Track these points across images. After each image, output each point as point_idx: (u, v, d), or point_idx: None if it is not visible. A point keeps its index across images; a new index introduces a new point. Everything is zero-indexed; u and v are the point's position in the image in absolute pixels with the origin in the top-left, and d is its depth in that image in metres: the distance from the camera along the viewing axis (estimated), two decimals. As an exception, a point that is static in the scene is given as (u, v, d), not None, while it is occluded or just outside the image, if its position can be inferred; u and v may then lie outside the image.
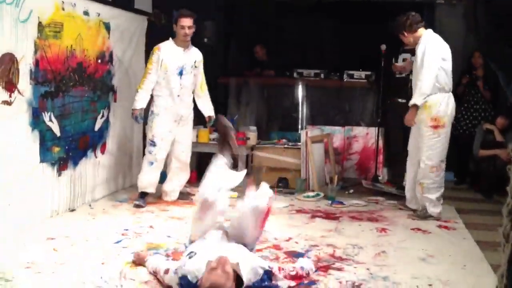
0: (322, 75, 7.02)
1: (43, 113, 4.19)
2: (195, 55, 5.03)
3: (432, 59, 4.59)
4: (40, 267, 3.23)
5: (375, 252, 3.78)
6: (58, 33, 4.30)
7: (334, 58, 7.04)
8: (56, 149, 4.40)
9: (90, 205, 4.85)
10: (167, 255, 3.51)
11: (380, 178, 6.24)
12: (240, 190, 3.83)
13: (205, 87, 5.16)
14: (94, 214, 4.59)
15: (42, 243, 3.71)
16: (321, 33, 7.21)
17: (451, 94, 4.73)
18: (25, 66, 3.95)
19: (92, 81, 4.86)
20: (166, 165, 5.11)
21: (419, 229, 4.45)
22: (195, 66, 5.00)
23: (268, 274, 2.87)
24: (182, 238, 3.81)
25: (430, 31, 4.78)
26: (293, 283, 3.01)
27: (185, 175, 5.15)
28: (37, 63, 4.07)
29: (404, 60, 5.93)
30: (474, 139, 6.08)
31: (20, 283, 2.99)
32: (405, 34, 4.77)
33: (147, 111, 4.98)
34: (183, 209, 4.83)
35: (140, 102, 4.87)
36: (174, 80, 4.87)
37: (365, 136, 6.58)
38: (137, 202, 4.84)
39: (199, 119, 5.36)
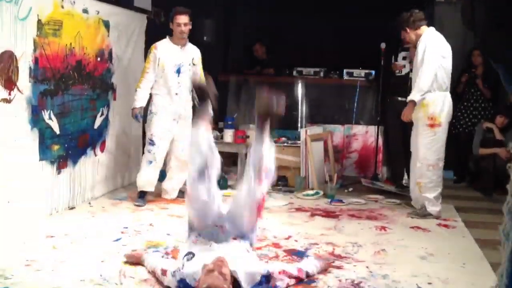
0: (321, 74, 7.02)
1: (42, 111, 4.18)
2: (193, 52, 5.03)
3: (432, 56, 4.60)
4: (39, 265, 3.23)
5: (375, 250, 3.78)
6: (57, 31, 4.30)
7: (333, 56, 7.03)
8: (56, 147, 4.39)
9: (89, 203, 4.85)
10: (167, 253, 3.51)
11: (379, 176, 6.24)
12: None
13: None
14: (93, 212, 4.59)
15: (41, 241, 3.71)
16: (320, 31, 7.19)
17: (448, 93, 4.74)
18: (25, 64, 3.94)
19: (92, 79, 4.86)
20: (165, 164, 5.11)
21: (418, 228, 4.45)
22: (193, 64, 5.00)
23: (267, 278, 2.86)
24: (181, 236, 3.81)
25: (432, 29, 4.79)
26: (292, 281, 3.01)
27: (184, 173, 5.13)
28: (36, 61, 4.07)
29: (404, 58, 5.93)
30: (474, 137, 6.08)
31: (20, 280, 2.99)
32: (408, 30, 4.78)
33: (146, 109, 4.98)
34: (183, 207, 4.82)
35: (140, 101, 4.87)
36: (172, 78, 4.87)
37: (365, 135, 6.58)
38: (136, 203, 4.85)
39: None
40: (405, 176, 5.86)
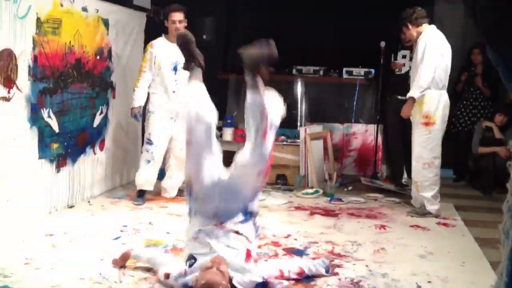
0: (321, 72, 7.01)
1: (41, 110, 4.18)
2: None
3: (432, 54, 4.61)
4: (39, 263, 3.23)
5: (374, 249, 3.78)
6: (56, 29, 4.29)
7: (333, 55, 7.02)
8: (55, 145, 4.39)
9: (89, 202, 4.85)
10: (166, 252, 3.51)
11: (379, 175, 6.24)
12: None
13: None
14: (93, 211, 4.58)
15: (40, 240, 3.70)
16: (320, 31, 7.18)
17: (444, 91, 4.74)
18: (24, 62, 3.94)
19: (91, 77, 4.85)
20: (165, 162, 5.10)
21: (418, 226, 4.45)
22: None
23: (264, 285, 2.84)
24: (181, 235, 3.81)
25: (433, 27, 4.80)
26: (291, 282, 3.00)
27: (183, 172, 5.14)
28: (35, 59, 4.06)
29: (403, 57, 5.94)
30: (473, 136, 6.08)
31: (19, 279, 2.98)
32: (409, 27, 4.78)
33: (145, 109, 4.98)
34: (182, 206, 4.81)
35: (138, 101, 4.87)
36: (169, 76, 4.86)
37: (364, 133, 6.58)
38: (136, 203, 4.84)
39: None
40: (405, 175, 5.87)
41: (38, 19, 4.06)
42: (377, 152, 6.30)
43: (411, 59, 5.36)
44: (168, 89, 4.88)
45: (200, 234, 2.87)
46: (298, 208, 4.98)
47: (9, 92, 3.81)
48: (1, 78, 3.73)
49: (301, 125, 6.66)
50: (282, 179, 5.82)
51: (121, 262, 3.22)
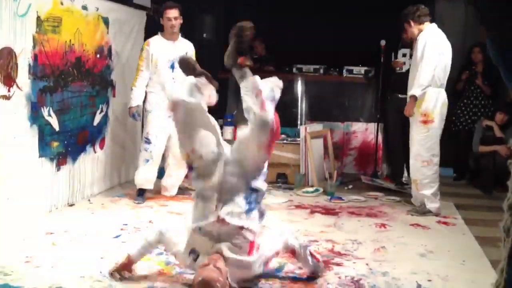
0: (321, 71, 7.01)
1: (42, 108, 4.18)
2: (186, 47, 5.02)
3: (432, 52, 4.61)
4: (39, 262, 3.23)
5: (375, 248, 3.78)
6: (56, 27, 4.29)
7: (333, 53, 7.02)
8: (55, 144, 4.39)
9: (89, 200, 4.85)
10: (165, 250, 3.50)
11: (379, 173, 6.24)
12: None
13: None
14: (93, 209, 4.58)
15: (41, 238, 3.70)
16: (320, 28, 7.18)
17: (442, 89, 4.74)
18: (24, 60, 3.94)
19: (91, 76, 4.85)
20: (163, 160, 5.10)
21: (418, 225, 4.45)
22: None
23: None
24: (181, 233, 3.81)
25: (434, 25, 4.80)
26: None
27: (183, 170, 5.13)
28: (35, 57, 4.06)
29: (404, 55, 5.93)
30: (474, 135, 6.08)
31: (19, 277, 2.98)
32: (412, 24, 4.78)
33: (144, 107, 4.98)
34: (182, 204, 4.83)
35: (136, 100, 4.86)
36: (166, 74, 4.85)
37: (364, 132, 6.59)
38: (136, 201, 4.84)
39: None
40: (405, 174, 5.86)
41: (38, 18, 4.06)
42: (378, 150, 6.30)
43: (411, 57, 5.36)
44: (165, 87, 4.87)
45: (201, 232, 2.80)
46: (298, 206, 4.98)
47: (9, 91, 3.81)
48: (1, 76, 3.73)
49: (301, 124, 6.66)
50: (282, 178, 5.82)
51: (128, 270, 3.05)
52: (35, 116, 4.10)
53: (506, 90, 6.02)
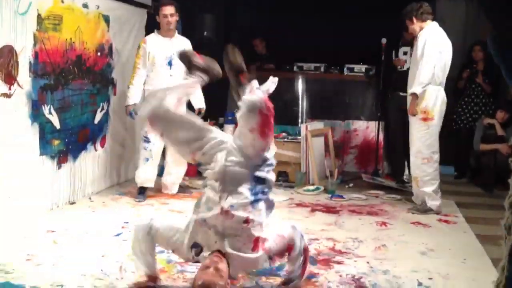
0: (322, 69, 7.00)
1: (42, 106, 4.18)
2: (183, 43, 5.01)
3: (432, 50, 4.61)
4: (40, 260, 3.23)
5: (375, 246, 3.78)
6: (57, 25, 4.29)
7: (334, 51, 7.02)
8: (56, 142, 4.39)
9: (90, 198, 4.85)
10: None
11: (380, 172, 6.24)
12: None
13: None
14: (94, 207, 4.59)
15: (42, 236, 3.71)
16: (321, 28, 7.18)
17: (441, 88, 4.75)
18: (25, 58, 3.94)
19: (92, 74, 4.85)
20: (163, 157, 5.10)
21: (419, 223, 4.45)
22: None
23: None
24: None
25: (435, 23, 4.80)
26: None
27: (182, 168, 5.13)
28: (36, 55, 4.06)
29: (404, 53, 5.93)
30: (475, 133, 6.08)
31: (20, 275, 2.99)
32: (414, 20, 4.78)
33: None
34: (183, 202, 4.83)
35: (133, 98, 4.85)
36: (164, 72, 4.85)
37: (365, 130, 6.58)
38: (137, 200, 4.84)
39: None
40: (406, 172, 5.86)
41: (38, 16, 4.06)
42: (378, 149, 6.30)
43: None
44: (163, 84, 4.86)
45: (206, 225, 2.66)
46: (299, 205, 4.98)
47: (10, 89, 3.81)
48: (2, 74, 3.73)
49: (302, 122, 6.65)
50: (283, 176, 5.82)
51: (154, 281, 2.96)
52: (36, 114, 4.10)
53: (507, 88, 6.03)
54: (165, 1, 4.88)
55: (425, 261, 3.51)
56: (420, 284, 3.11)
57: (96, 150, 5.01)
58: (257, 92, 2.70)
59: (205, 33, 7.10)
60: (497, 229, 1.61)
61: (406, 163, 5.74)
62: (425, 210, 4.74)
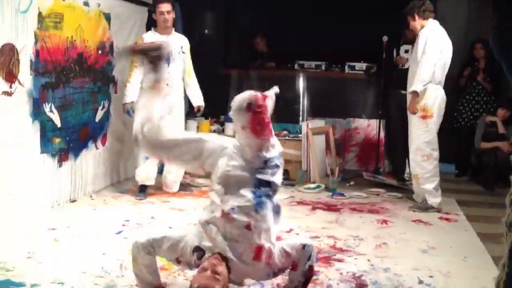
0: (323, 67, 7.00)
1: (43, 104, 4.18)
2: (181, 41, 5.02)
3: (433, 49, 4.62)
4: (41, 258, 3.24)
5: (376, 244, 3.78)
6: (58, 23, 4.29)
7: (335, 49, 7.01)
8: (57, 140, 4.39)
9: (91, 196, 4.86)
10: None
11: (381, 170, 6.24)
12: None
13: (192, 74, 5.13)
14: (95, 205, 4.59)
15: (43, 234, 3.71)
16: (322, 25, 7.17)
17: (440, 87, 4.76)
18: (26, 56, 3.94)
19: (93, 72, 4.85)
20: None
21: (420, 221, 4.45)
22: (182, 52, 4.98)
23: None
24: (183, 229, 3.81)
25: (436, 22, 4.80)
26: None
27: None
28: (37, 53, 4.06)
29: (406, 51, 5.92)
30: (476, 131, 6.07)
31: (21, 273, 2.99)
32: (416, 18, 4.78)
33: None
34: (184, 201, 4.84)
35: (130, 96, 4.83)
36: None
37: (366, 128, 6.58)
38: (138, 198, 4.85)
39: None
40: (407, 170, 5.86)
41: (39, 14, 4.05)
42: (379, 147, 6.29)
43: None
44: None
45: (208, 226, 2.57)
46: (300, 203, 4.98)
47: (11, 87, 3.81)
48: (3, 72, 3.73)
49: (303, 120, 6.65)
50: (284, 174, 5.80)
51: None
52: (37, 112, 4.10)
53: (508, 85, 6.02)
54: None
55: (426, 259, 3.51)
56: (421, 282, 3.11)
57: (97, 148, 5.02)
58: (248, 91, 2.62)
59: (206, 31, 7.10)
60: (498, 227, 1.61)
61: (407, 161, 5.74)
62: (426, 208, 4.74)
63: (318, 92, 6.95)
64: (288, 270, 2.75)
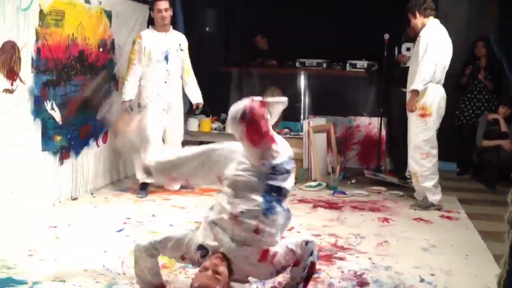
0: (324, 65, 6.99)
1: (45, 102, 4.18)
2: (179, 38, 5.02)
3: (435, 48, 4.61)
4: (42, 255, 3.24)
5: (377, 242, 3.78)
6: (59, 21, 4.29)
7: (336, 47, 7.01)
8: (58, 138, 4.39)
9: (92, 194, 4.86)
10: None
11: (382, 168, 6.23)
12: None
13: (191, 72, 5.13)
14: (96, 203, 4.59)
15: (44, 231, 3.71)
16: (323, 23, 7.17)
17: (440, 86, 4.76)
18: (27, 54, 3.94)
19: (94, 69, 4.84)
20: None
21: (421, 219, 4.44)
22: (181, 49, 4.98)
23: None
24: (184, 227, 3.82)
25: (437, 21, 4.79)
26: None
27: None
28: (38, 51, 4.06)
29: (407, 49, 5.92)
30: (477, 129, 6.07)
31: (22, 271, 2.99)
32: (417, 15, 4.78)
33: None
34: (185, 198, 4.84)
35: (128, 94, 4.84)
36: (160, 67, 4.85)
37: (368, 126, 6.57)
38: (139, 196, 4.85)
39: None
40: (408, 168, 5.84)
41: (41, 11, 4.05)
42: (381, 145, 6.29)
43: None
44: (160, 79, 4.87)
45: (215, 227, 2.56)
46: (301, 201, 4.98)
47: (12, 84, 3.81)
48: (4, 70, 3.73)
49: (304, 118, 6.65)
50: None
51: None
52: (38, 110, 4.10)
53: (510, 84, 6.01)
54: None
55: (427, 257, 3.51)
56: (422, 280, 3.11)
57: (98, 146, 5.02)
58: (245, 100, 2.56)
59: (207, 29, 7.09)
60: (499, 225, 1.61)
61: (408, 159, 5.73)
62: (426, 206, 4.74)
63: (319, 90, 6.95)
64: (290, 267, 2.74)
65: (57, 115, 4.34)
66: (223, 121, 6.19)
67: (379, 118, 6.27)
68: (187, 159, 2.74)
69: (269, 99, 2.63)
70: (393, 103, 5.95)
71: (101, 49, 4.92)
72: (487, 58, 6.19)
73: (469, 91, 6.36)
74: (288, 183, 2.57)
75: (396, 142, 6.06)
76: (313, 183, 5.55)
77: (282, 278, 2.94)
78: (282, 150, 2.54)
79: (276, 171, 2.51)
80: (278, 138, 2.55)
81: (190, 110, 5.54)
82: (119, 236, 3.69)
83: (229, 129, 2.54)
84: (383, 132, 6.31)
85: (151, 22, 5.58)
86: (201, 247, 2.57)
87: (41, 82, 4.11)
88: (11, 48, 3.78)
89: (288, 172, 2.55)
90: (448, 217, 4.55)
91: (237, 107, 2.52)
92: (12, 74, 3.81)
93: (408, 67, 5.67)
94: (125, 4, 5.28)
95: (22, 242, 3.44)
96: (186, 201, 4.74)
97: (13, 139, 3.85)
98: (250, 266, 2.53)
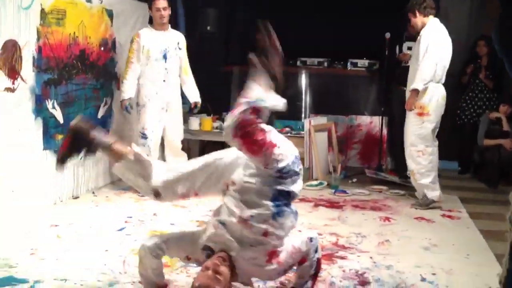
0: (325, 64, 6.99)
1: (46, 101, 4.18)
2: (177, 37, 5.02)
3: (436, 48, 4.62)
4: (43, 254, 3.24)
5: (379, 241, 3.78)
6: (60, 20, 4.29)
7: (337, 46, 7.00)
8: (60, 136, 4.39)
9: (93, 193, 4.86)
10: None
11: (383, 167, 6.23)
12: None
13: (189, 71, 5.13)
14: (97, 202, 4.60)
15: (45, 230, 3.72)
16: (324, 21, 7.16)
17: (440, 85, 4.76)
18: (28, 53, 3.94)
19: (95, 68, 4.85)
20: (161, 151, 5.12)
21: (422, 218, 4.45)
22: (179, 48, 4.98)
23: None
24: (185, 226, 3.82)
25: (437, 20, 4.79)
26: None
27: (180, 159, 5.11)
28: (40, 50, 4.06)
29: (409, 48, 5.91)
30: (479, 128, 6.06)
31: (24, 269, 2.99)
32: (417, 14, 4.78)
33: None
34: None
35: (127, 93, 4.84)
36: (159, 65, 4.85)
37: (369, 125, 6.57)
38: (140, 194, 4.84)
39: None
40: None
41: (42, 10, 4.05)
42: (382, 144, 6.29)
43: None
44: (158, 78, 4.87)
45: (222, 228, 2.50)
46: (302, 200, 4.97)
47: (13, 83, 3.81)
48: (6, 69, 3.73)
49: (305, 117, 6.65)
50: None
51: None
52: (40, 108, 4.10)
53: (511, 83, 6.01)
54: None
55: (428, 257, 3.51)
56: (423, 279, 3.11)
57: (99, 145, 5.01)
58: (238, 109, 2.49)
59: (208, 27, 7.08)
60: (500, 224, 1.61)
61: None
62: (427, 204, 4.75)
63: (320, 89, 6.95)
64: (295, 266, 2.74)
65: (58, 114, 4.34)
66: (224, 120, 6.19)
67: (380, 117, 6.27)
68: (194, 173, 2.69)
69: (267, 103, 2.62)
70: (394, 102, 5.94)
71: (102, 48, 4.92)
72: (489, 57, 6.18)
73: (470, 90, 6.35)
74: (297, 186, 2.53)
75: (397, 141, 6.06)
76: (314, 182, 5.55)
77: (283, 277, 2.94)
78: (287, 151, 2.48)
79: (284, 173, 2.46)
80: (279, 139, 2.49)
81: (190, 109, 5.55)
82: (120, 235, 3.69)
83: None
84: (384, 131, 6.31)
85: (152, 21, 5.59)
86: (207, 248, 2.55)
87: (42, 81, 4.11)
88: (13, 47, 3.78)
89: (296, 173, 2.51)
90: (449, 216, 4.55)
91: (228, 123, 2.46)
92: (14, 73, 3.81)
93: (408, 65, 5.68)
94: (126, 3, 5.28)
95: (24, 241, 3.44)
96: (187, 200, 4.74)
97: (14, 138, 3.85)
98: (257, 267, 2.52)
